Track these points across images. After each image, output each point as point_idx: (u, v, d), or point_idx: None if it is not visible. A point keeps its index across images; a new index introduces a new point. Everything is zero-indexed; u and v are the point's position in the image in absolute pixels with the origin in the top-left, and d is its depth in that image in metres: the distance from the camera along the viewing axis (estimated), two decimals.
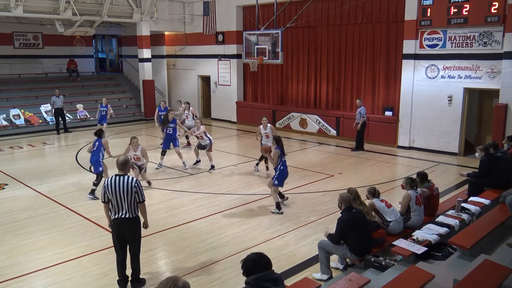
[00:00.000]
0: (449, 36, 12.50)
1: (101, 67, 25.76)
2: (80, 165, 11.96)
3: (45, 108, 17.66)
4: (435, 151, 13.15)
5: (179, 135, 12.00)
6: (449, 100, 12.76)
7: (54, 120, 16.83)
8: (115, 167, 5.63)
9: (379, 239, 5.85)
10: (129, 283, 5.71)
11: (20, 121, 17.02)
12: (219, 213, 8.35)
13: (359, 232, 5.48)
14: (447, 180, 10.41)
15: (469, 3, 11.85)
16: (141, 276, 5.78)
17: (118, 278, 5.68)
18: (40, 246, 6.91)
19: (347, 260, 5.95)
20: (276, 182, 8.31)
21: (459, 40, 12.35)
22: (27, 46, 20.64)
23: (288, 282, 5.37)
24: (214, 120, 19.42)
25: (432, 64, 12.99)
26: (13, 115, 16.96)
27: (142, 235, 5.74)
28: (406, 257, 5.30)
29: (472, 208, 6.84)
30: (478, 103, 13.27)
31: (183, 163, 11.51)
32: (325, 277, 5.65)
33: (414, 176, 6.84)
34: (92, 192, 9.30)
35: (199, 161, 11.92)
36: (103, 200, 5.49)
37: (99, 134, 9.75)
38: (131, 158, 9.42)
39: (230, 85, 19.06)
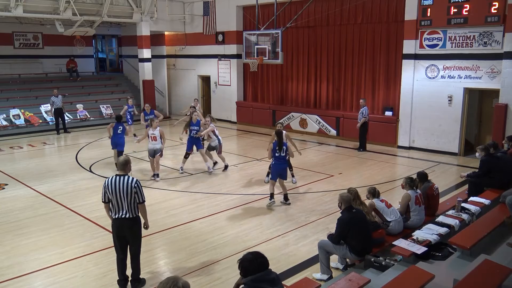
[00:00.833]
0: (449, 36, 12.50)
1: (101, 67, 25.76)
2: (80, 165, 11.96)
3: (45, 108, 17.66)
4: (435, 151, 13.16)
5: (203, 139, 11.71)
6: (449, 100, 12.76)
7: (54, 120, 16.82)
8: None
9: (379, 239, 5.85)
10: (129, 283, 5.71)
11: (20, 121, 17.02)
12: (219, 213, 8.35)
13: (359, 232, 5.49)
14: (447, 180, 10.41)
15: (469, 3, 11.85)
16: (141, 276, 5.78)
17: (118, 278, 5.68)
18: (40, 246, 6.91)
19: (347, 260, 5.95)
20: (270, 176, 8.83)
21: (459, 40, 12.35)
22: (27, 46, 20.64)
23: (288, 282, 5.38)
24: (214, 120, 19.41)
25: (432, 64, 12.99)
26: (13, 115, 16.95)
27: (142, 235, 5.73)
28: (406, 257, 5.30)
29: (472, 208, 6.84)
30: (478, 103, 13.27)
31: (208, 167, 11.05)
32: (325, 277, 5.65)
33: (414, 176, 6.84)
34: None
35: (216, 162, 11.33)
36: (103, 200, 5.48)
37: (120, 118, 11.38)
38: (148, 137, 10.45)
39: (230, 85, 19.07)
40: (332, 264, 5.94)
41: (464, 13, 11.97)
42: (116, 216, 5.44)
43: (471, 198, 7.32)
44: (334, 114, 15.76)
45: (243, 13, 18.24)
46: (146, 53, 19.43)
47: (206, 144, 11.74)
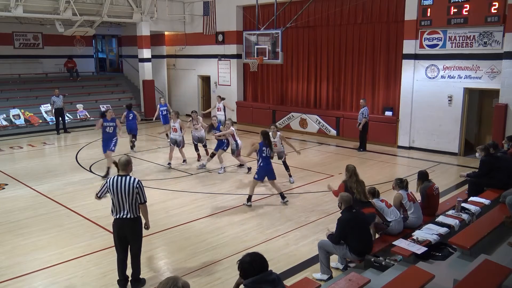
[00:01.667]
0: (449, 36, 12.51)
1: (101, 67, 25.76)
2: (80, 165, 11.95)
3: (45, 108, 17.66)
4: (435, 151, 13.16)
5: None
6: (449, 100, 12.76)
7: (54, 120, 16.82)
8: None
9: (370, 215, 5.93)
10: (129, 283, 5.71)
11: (20, 121, 17.02)
12: (219, 213, 8.35)
13: (359, 232, 5.49)
14: (447, 180, 10.41)
15: (469, 3, 11.85)
16: (141, 276, 5.78)
17: (118, 278, 5.68)
18: (40, 246, 6.91)
19: (347, 260, 5.95)
20: (255, 176, 8.74)
21: (459, 40, 12.35)
22: (27, 46, 20.64)
23: (288, 282, 5.37)
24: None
25: (432, 64, 12.99)
26: (13, 115, 16.95)
27: (142, 235, 5.73)
28: (406, 257, 5.30)
29: (472, 208, 6.84)
30: (478, 103, 13.27)
31: (222, 167, 11.13)
32: (325, 277, 5.65)
33: (413, 177, 6.85)
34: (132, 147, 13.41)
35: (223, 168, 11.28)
36: (98, 195, 5.57)
37: (130, 106, 13.66)
38: (169, 129, 11.71)
39: (230, 85, 19.06)
40: (332, 264, 5.94)
41: (464, 13, 11.97)
42: (117, 216, 5.44)
43: (471, 198, 7.32)
44: (334, 114, 15.76)
45: (243, 13, 18.24)
46: (146, 53, 19.43)
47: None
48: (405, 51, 13.51)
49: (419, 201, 6.71)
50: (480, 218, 6.41)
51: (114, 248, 5.70)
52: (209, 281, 5.83)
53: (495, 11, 11.42)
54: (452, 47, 12.50)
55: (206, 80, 20.61)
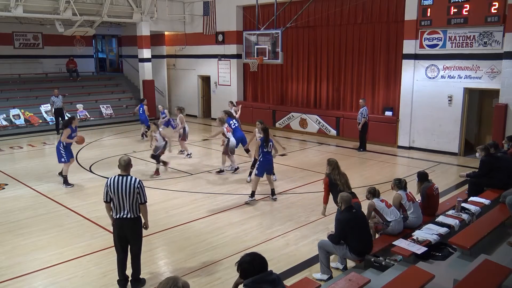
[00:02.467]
0: (449, 36, 12.51)
1: (101, 67, 25.76)
2: (80, 165, 11.95)
3: (45, 108, 17.66)
4: (435, 151, 13.16)
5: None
6: (449, 100, 12.76)
7: (54, 120, 16.82)
8: None
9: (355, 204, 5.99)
10: (129, 283, 5.71)
11: (20, 121, 17.02)
12: (219, 213, 8.35)
13: (359, 232, 5.49)
14: (447, 180, 10.41)
15: (469, 3, 11.85)
16: (141, 276, 5.78)
17: (118, 278, 5.68)
18: (40, 246, 6.91)
19: (347, 260, 5.95)
20: (256, 172, 8.90)
21: (459, 40, 12.35)
22: (27, 46, 20.63)
23: (288, 282, 5.37)
24: (214, 120, 19.37)
25: (432, 64, 12.99)
26: (13, 115, 16.95)
27: (142, 235, 5.73)
28: (406, 257, 5.30)
29: (472, 208, 6.83)
30: (478, 103, 13.28)
31: (230, 166, 11.29)
32: (325, 277, 5.65)
33: (415, 176, 6.85)
34: (143, 134, 14.88)
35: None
36: (105, 200, 5.48)
37: (143, 100, 15.63)
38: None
39: (230, 85, 19.07)
40: (332, 264, 5.94)
41: (464, 13, 11.97)
42: (118, 216, 5.43)
43: (471, 198, 7.32)
44: (334, 114, 15.76)
45: (243, 13, 18.24)
46: (146, 53, 19.43)
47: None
48: (405, 51, 13.51)
49: (419, 201, 6.71)
50: (480, 218, 6.41)
51: (114, 248, 5.69)
52: (209, 281, 5.83)
53: (495, 11, 11.42)
54: (452, 47, 12.50)
55: (206, 80, 20.61)
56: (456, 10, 12.11)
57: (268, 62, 14.24)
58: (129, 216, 5.41)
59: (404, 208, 6.36)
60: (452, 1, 12.15)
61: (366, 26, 14.88)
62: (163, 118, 14.69)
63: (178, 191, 9.75)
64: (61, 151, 10.04)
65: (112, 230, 5.72)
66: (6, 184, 10.22)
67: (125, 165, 5.48)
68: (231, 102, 15.10)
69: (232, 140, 10.89)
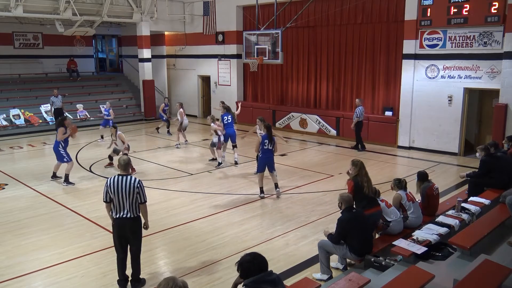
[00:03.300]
0: (449, 36, 12.51)
1: (101, 67, 25.75)
2: (80, 165, 11.95)
3: (45, 108, 17.66)
4: (435, 151, 13.16)
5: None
6: (449, 100, 12.76)
7: (54, 120, 16.82)
8: None
9: (376, 213, 5.92)
10: (129, 283, 5.71)
11: (20, 121, 17.02)
12: (219, 213, 8.35)
13: (359, 232, 5.48)
14: (447, 180, 10.41)
15: (469, 3, 11.85)
16: (141, 276, 5.78)
17: (118, 278, 5.68)
18: (40, 246, 6.91)
19: (347, 260, 5.95)
20: (256, 170, 9.32)
21: (459, 40, 12.35)
22: (27, 46, 20.64)
23: (288, 282, 5.37)
24: None
25: (432, 64, 12.99)
26: (13, 115, 16.96)
27: (142, 235, 5.73)
28: (406, 257, 5.29)
29: (472, 208, 6.83)
30: (478, 103, 13.28)
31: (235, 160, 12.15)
32: (325, 277, 5.65)
33: (415, 176, 6.85)
34: (157, 130, 16.37)
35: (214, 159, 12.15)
36: (105, 200, 5.48)
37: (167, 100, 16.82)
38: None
39: (230, 85, 19.07)
40: (332, 264, 5.94)
41: (464, 13, 11.97)
42: (117, 216, 5.43)
43: (471, 198, 7.32)
44: (334, 114, 15.76)
45: (243, 13, 18.24)
46: (146, 53, 19.43)
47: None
48: (405, 51, 13.51)
49: (419, 201, 6.71)
50: (480, 218, 6.41)
51: (114, 248, 5.69)
52: (209, 281, 5.83)
53: (495, 11, 11.42)
54: (452, 47, 12.50)
55: (206, 80, 20.61)
56: (456, 10, 12.11)
57: (268, 62, 14.25)
58: (129, 216, 5.41)
59: (404, 208, 6.36)
60: (452, 1, 12.15)
61: (366, 26, 14.88)
62: (107, 116, 15.33)
63: (178, 191, 9.75)
64: (61, 152, 10.11)
65: (112, 230, 5.72)
66: (6, 184, 10.22)
67: (125, 165, 5.48)
68: (222, 103, 15.02)
69: (221, 139, 11.62)
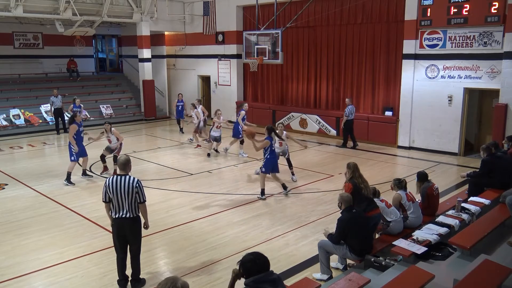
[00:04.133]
0: (449, 36, 12.50)
1: (101, 67, 25.76)
2: (80, 165, 11.92)
3: (45, 108, 17.66)
4: (435, 151, 13.15)
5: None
6: (449, 100, 12.76)
7: (54, 120, 16.82)
8: None
9: (376, 216, 5.92)
10: (129, 283, 5.71)
11: (20, 121, 17.02)
12: (219, 213, 8.35)
13: (359, 232, 5.48)
14: (447, 180, 10.41)
15: (469, 3, 11.85)
16: (141, 276, 5.78)
17: (118, 278, 5.68)
18: (40, 246, 6.91)
19: (347, 260, 5.95)
20: (263, 169, 9.07)
21: (459, 40, 12.35)
22: (27, 46, 20.64)
23: (288, 282, 5.37)
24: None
25: (432, 64, 12.99)
26: (13, 115, 16.95)
27: (142, 235, 5.73)
28: (406, 257, 5.29)
29: (472, 208, 6.83)
30: (478, 103, 13.27)
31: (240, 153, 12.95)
32: (325, 277, 5.65)
33: (415, 177, 6.85)
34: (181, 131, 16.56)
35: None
36: (104, 200, 5.48)
37: (181, 96, 16.73)
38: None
39: (230, 85, 19.06)
40: (332, 264, 5.94)
41: (464, 13, 11.97)
42: (117, 216, 5.43)
43: (471, 198, 7.32)
44: (334, 114, 15.75)
45: (243, 13, 18.24)
46: (146, 53, 19.43)
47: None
48: (405, 51, 13.51)
49: (419, 201, 6.71)
50: (480, 218, 6.41)
51: (114, 248, 5.69)
52: (209, 281, 5.83)
53: (495, 11, 11.42)
54: (452, 47, 12.50)
55: (206, 80, 20.60)
56: (456, 10, 12.11)
57: (268, 62, 14.25)
58: (128, 215, 5.41)
59: (404, 208, 6.37)
60: (452, 1, 12.15)
61: (366, 26, 14.87)
62: (81, 113, 15.01)
63: (178, 191, 9.75)
64: (72, 149, 10.28)
65: (111, 230, 5.72)
66: (6, 184, 10.22)
67: (124, 165, 5.48)
68: (198, 101, 15.36)
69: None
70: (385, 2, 14.11)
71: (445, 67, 12.73)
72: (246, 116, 12.97)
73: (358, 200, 5.98)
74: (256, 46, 14.09)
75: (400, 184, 6.46)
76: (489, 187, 7.78)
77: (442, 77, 12.84)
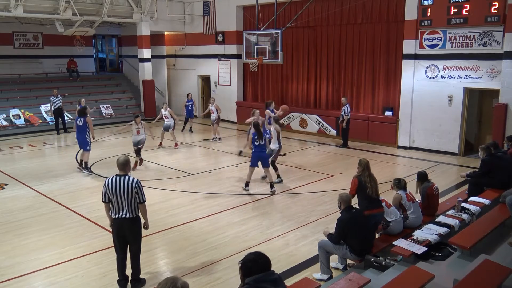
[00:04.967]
0: (449, 36, 12.51)
1: (101, 67, 25.75)
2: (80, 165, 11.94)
3: (45, 108, 17.65)
4: (435, 151, 13.15)
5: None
6: (449, 100, 12.76)
7: (54, 120, 16.82)
8: None
9: (378, 215, 5.96)
10: (129, 283, 5.71)
11: (20, 121, 17.01)
12: (219, 213, 8.35)
13: (359, 232, 5.48)
14: (447, 180, 10.41)
15: (469, 3, 11.85)
16: (141, 276, 5.78)
17: (118, 278, 5.68)
18: (40, 246, 6.91)
19: (347, 260, 5.95)
20: (250, 163, 9.59)
21: (459, 40, 12.35)
22: (27, 46, 20.63)
23: (288, 282, 5.36)
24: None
25: (432, 64, 12.99)
26: (13, 115, 16.95)
27: (142, 235, 5.73)
28: (406, 257, 5.29)
29: (472, 208, 6.83)
30: (478, 103, 13.27)
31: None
32: (325, 277, 5.65)
33: (415, 177, 6.84)
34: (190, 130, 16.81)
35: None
36: (103, 200, 5.48)
37: (190, 96, 16.69)
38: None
39: (230, 85, 19.07)
40: (332, 264, 5.94)
41: (464, 13, 11.97)
42: (116, 216, 5.43)
43: (471, 198, 7.32)
44: (334, 114, 15.74)
45: (243, 13, 18.24)
46: (146, 53, 19.43)
47: None
48: (405, 51, 13.51)
49: (419, 201, 6.72)
50: (480, 218, 6.41)
51: (113, 248, 5.69)
52: (209, 281, 5.83)
53: (495, 11, 11.42)
54: (452, 47, 12.50)
55: (206, 80, 20.60)
56: (456, 10, 12.11)
57: (268, 62, 14.26)
58: (128, 216, 5.41)
59: (404, 208, 6.37)
60: (452, 1, 12.15)
61: (366, 26, 14.87)
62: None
63: (178, 191, 9.75)
64: (87, 140, 10.93)
65: (111, 230, 5.72)
66: (6, 184, 10.22)
67: (123, 165, 5.48)
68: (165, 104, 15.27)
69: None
70: (385, 2, 14.11)
71: (445, 67, 12.73)
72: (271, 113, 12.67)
73: (361, 197, 6.17)
74: (256, 46, 14.10)
75: (399, 184, 6.47)
76: (489, 187, 7.78)
77: (442, 77, 12.84)
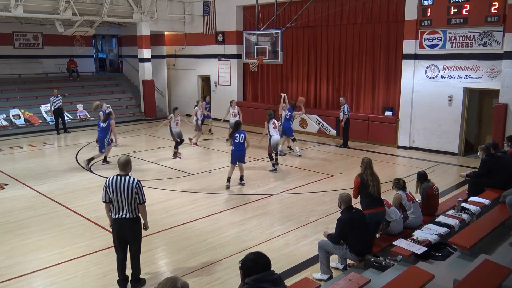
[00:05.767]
0: (449, 36, 12.51)
1: (101, 67, 25.75)
2: (80, 165, 11.95)
3: (45, 108, 17.65)
4: (435, 151, 13.15)
5: None
6: (449, 100, 12.76)
7: (54, 120, 16.82)
8: None
9: (379, 213, 5.99)
10: (129, 283, 5.71)
11: (20, 121, 17.02)
12: (219, 213, 8.35)
13: (359, 232, 5.49)
14: (447, 180, 10.41)
15: (469, 3, 11.85)
16: (141, 276, 5.78)
17: (118, 278, 5.68)
18: (40, 246, 6.91)
19: (347, 260, 5.95)
20: (231, 161, 10.04)
21: (459, 40, 12.35)
22: (27, 46, 20.63)
23: (288, 282, 5.36)
24: (214, 120, 19.42)
25: (432, 64, 12.99)
26: (13, 115, 16.95)
27: (142, 235, 5.73)
28: (406, 257, 5.29)
29: (472, 208, 6.83)
30: (478, 103, 13.27)
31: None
32: (325, 277, 5.65)
33: (415, 177, 6.84)
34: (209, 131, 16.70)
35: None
36: (104, 200, 5.48)
37: (204, 97, 16.62)
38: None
39: (230, 85, 19.07)
40: (332, 264, 5.94)
41: (464, 13, 11.97)
42: (116, 216, 5.43)
43: (471, 198, 7.32)
44: (334, 114, 15.73)
45: (243, 13, 18.24)
46: (146, 53, 19.43)
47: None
48: (405, 51, 13.51)
49: (419, 201, 6.72)
50: (480, 218, 6.41)
51: (113, 248, 5.69)
52: (209, 281, 5.83)
53: (495, 11, 11.42)
54: (452, 47, 12.50)
55: (206, 80, 20.61)
56: (456, 10, 12.11)
57: (268, 62, 14.25)
58: (128, 216, 5.41)
59: (404, 208, 6.37)
60: (452, 1, 12.14)
61: (366, 26, 14.87)
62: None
63: (178, 191, 9.75)
64: (105, 142, 11.60)
65: (111, 230, 5.72)
66: (6, 184, 10.22)
67: (123, 165, 5.48)
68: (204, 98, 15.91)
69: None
70: (385, 2, 14.11)
71: (445, 67, 12.73)
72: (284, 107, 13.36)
73: (363, 195, 6.17)
74: (256, 46, 14.09)
75: (398, 184, 6.47)
76: (489, 187, 7.78)
77: (442, 77, 12.84)
